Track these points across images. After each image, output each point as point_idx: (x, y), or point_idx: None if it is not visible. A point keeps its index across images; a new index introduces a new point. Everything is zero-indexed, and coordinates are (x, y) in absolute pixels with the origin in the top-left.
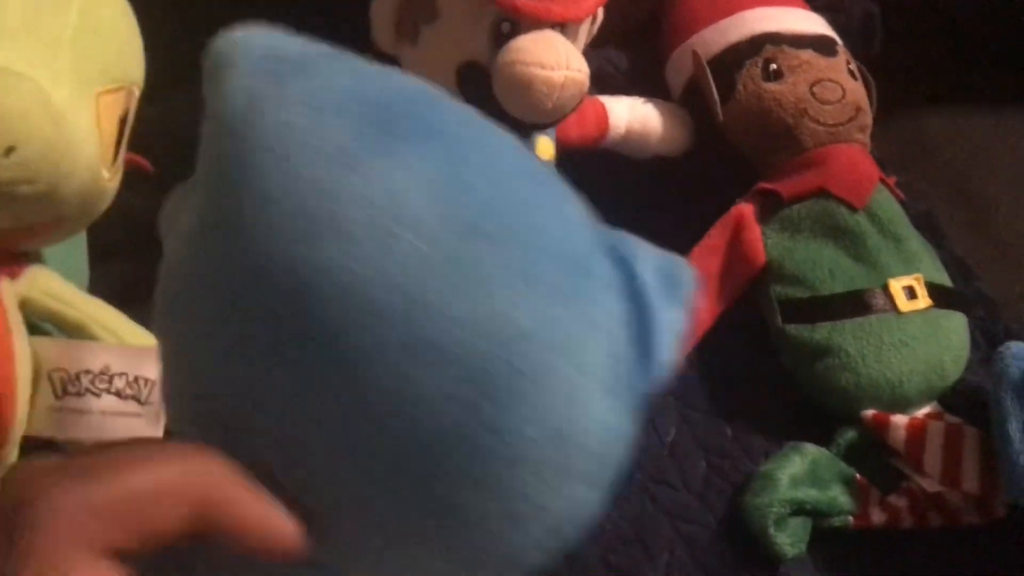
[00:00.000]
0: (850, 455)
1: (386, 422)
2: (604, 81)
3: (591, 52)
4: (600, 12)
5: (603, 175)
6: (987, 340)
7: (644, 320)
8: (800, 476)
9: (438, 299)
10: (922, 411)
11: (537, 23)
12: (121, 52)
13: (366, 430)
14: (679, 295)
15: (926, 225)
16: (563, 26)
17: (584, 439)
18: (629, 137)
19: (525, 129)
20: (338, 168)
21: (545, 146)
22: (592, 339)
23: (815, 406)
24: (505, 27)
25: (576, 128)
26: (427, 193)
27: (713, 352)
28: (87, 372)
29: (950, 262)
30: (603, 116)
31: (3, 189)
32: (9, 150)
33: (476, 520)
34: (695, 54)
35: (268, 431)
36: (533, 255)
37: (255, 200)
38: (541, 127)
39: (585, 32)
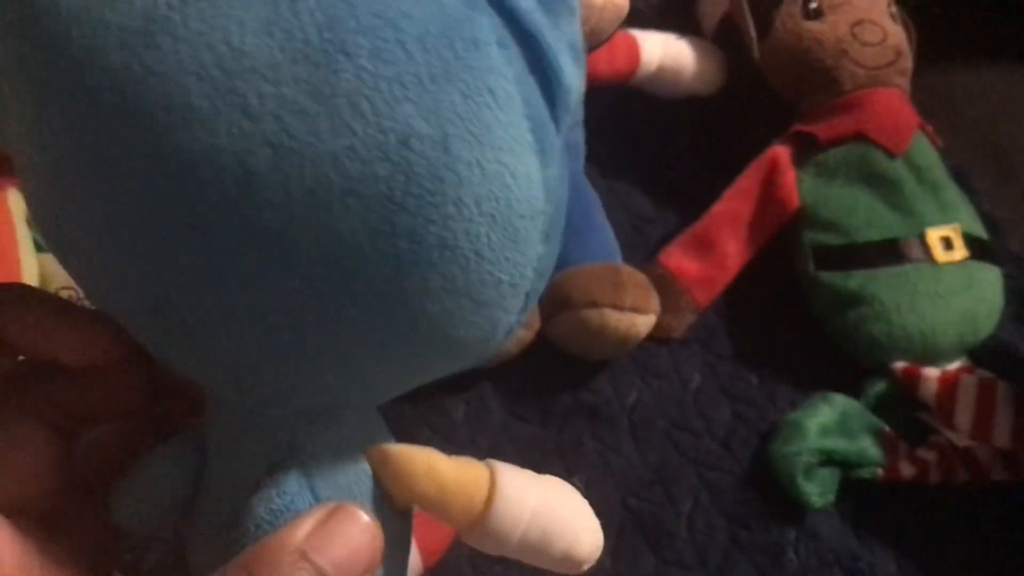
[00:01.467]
0: (879, 407)
1: (312, 270)
2: (634, 16)
3: None
4: None
5: (634, 114)
6: (1015, 297)
7: (537, 53)
8: (829, 426)
9: (314, 138)
10: (952, 365)
11: None
12: None
13: (293, 281)
14: (562, 7)
15: (955, 180)
16: None
17: (523, 208)
18: (661, 74)
19: None
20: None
21: None
22: (497, 110)
23: (843, 356)
24: None
25: (606, 62)
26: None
27: (740, 298)
28: None
29: (979, 218)
30: (634, 51)
31: None
32: None
33: (438, 317)
34: None
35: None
36: (402, 53)
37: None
38: None
39: None
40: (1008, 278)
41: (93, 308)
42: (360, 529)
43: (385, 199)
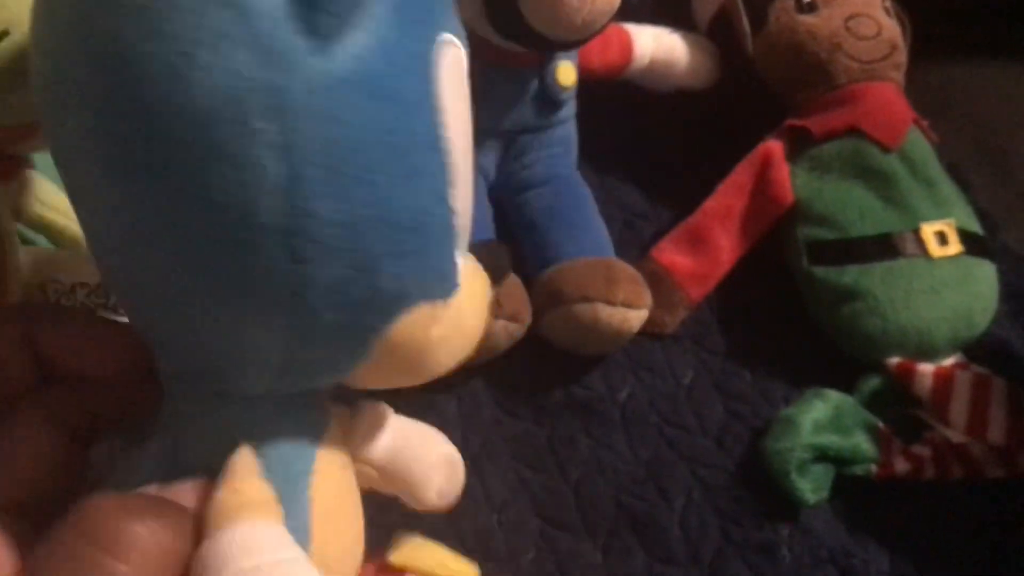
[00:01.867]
0: (873, 404)
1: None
2: (627, 11)
3: None
4: None
5: (627, 108)
6: (1010, 293)
7: None
8: (823, 422)
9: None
10: (947, 361)
11: None
12: None
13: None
14: None
15: (951, 176)
16: None
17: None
18: (653, 67)
19: (549, 52)
20: None
21: (567, 72)
22: None
23: (837, 352)
24: None
25: (599, 55)
26: None
27: (733, 294)
28: (83, 285)
29: (974, 213)
30: (627, 44)
31: None
32: (2, 35)
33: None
34: None
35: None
36: None
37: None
38: (567, 47)
39: None
40: (1003, 274)
41: (115, 320)
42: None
43: None
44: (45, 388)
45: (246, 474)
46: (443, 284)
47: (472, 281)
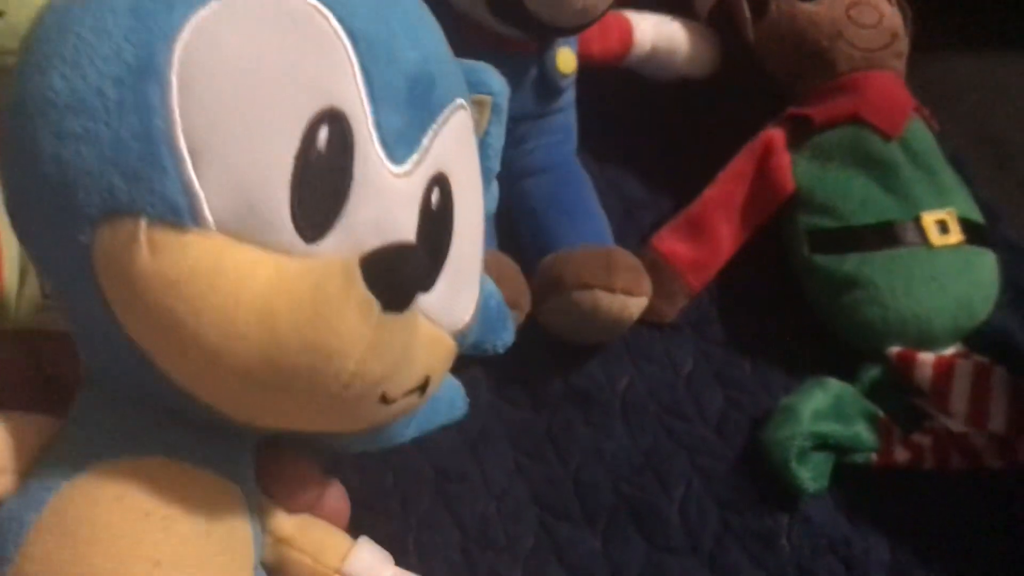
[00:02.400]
0: (873, 393)
1: None
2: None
3: None
4: None
5: (627, 97)
6: (1010, 283)
7: None
8: (823, 411)
9: None
10: (948, 351)
11: None
12: None
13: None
14: None
15: (954, 168)
16: None
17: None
18: (654, 55)
19: (548, 38)
20: None
21: (567, 58)
22: None
23: (837, 342)
24: None
25: (599, 42)
26: None
27: (733, 283)
28: None
29: (975, 203)
30: (627, 31)
31: None
32: None
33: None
34: None
35: None
36: None
37: None
38: (567, 32)
39: None
40: (1004, 264)
41: None
42: None
43: None
44: None
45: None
46: (155, 200)
47: (250, 262)
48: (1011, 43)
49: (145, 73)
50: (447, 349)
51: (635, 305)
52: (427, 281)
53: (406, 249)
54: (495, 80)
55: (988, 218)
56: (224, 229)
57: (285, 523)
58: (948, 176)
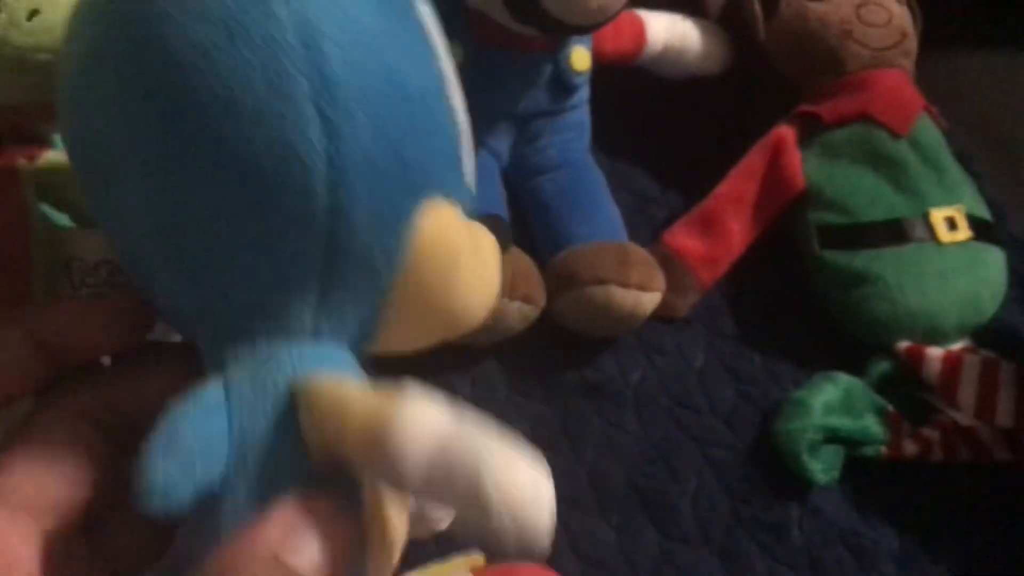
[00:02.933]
0: (882, 387)
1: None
2: None
3: None
4: None
5: (639, 95)
6: (1018, 280)
7: None
8: (833, 404)
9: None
10: (956, 346)
11: None
12: None
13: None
14: None
15: (961, 166)
16: None
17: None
18: (666, 54)
19: (563, 36)
20: None
21: (581, 57)
22: None
23: (846, 336)
24: None
25: (612, 41)
26: None
27: (744, 278)
28: (107, 263)
29: (983, 200)
30: (640, 30)
31: (24, 56)
32: (33, 13)
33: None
34: None
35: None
36: None
37: None
38: (582, 31)
39: None
40: (1011, 261)
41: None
42: (334, 525)
43: None
44: (61, 388)
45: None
46: (456, 179)
47: (483, 232)
48: (1019, 42)
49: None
50: None
51: (648, 300)
52: None
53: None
54: None
55: (995, 215)
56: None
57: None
58: (956, 173)
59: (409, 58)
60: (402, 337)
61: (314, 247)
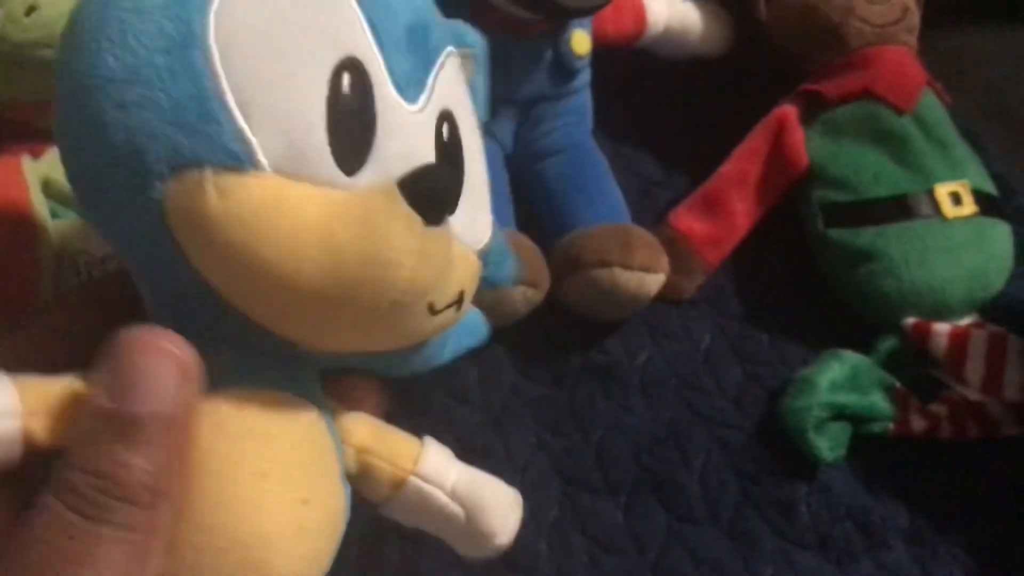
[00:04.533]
0: (890, 364)
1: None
2: None
3: None
4: None
5: (640, 76)
6: None
7: None
8: (840, 381)
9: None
10: (963, 321)
11: None
12: None
13: None
14: None
15: (968, 142)
16: None
17: None
18: (668, 35)
19: (564, 21)
20: None
21: (581, 40)
22: None
23: (853, 314)
24: None
25: (613, 23)
26: None
27: (749, 259)
28: (113, 257)
29: (988, 175)
30: (641, 12)
31: (24, 52)
32: (31, 9)
33: None
34: None
35: None
36: None
37: None
38: (584, 13)
39: None
40: (1019, 236)
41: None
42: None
43: None
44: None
45: None
46: (216, 150)
47: (286, 186)
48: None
49: (188, 43)
50: (474, 266)
51: (653, 281)
52: (454, 194)
53: (434, 167)
54: (473, 35)
55: (1003, 191)
56: (278, 170)
57: (361, 434)
58: (961, 149)
59: None
60: (312, 329)
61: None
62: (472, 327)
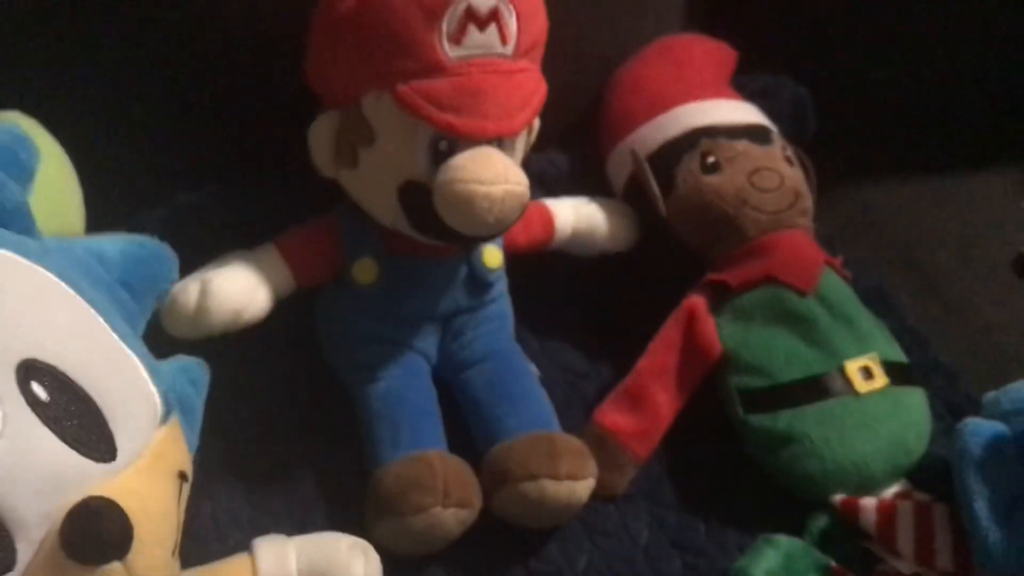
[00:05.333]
0: (824, 542)
1: None
2: (547, 183)
3: (532, 156)
4: (536, 122)
5: (558, 275)
6: (949, 409)
7: None
8: (775, 570)
9: None
10: (891, 490)
11: (473, 140)
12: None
13: None
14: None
15: (877, 298)
16: (499, 141)
17: None
18: (576, 237)
19: (471, 240)
20: None
21: (492, 255)
22: None
23: (786, 492)
24: (443, 145)
25: (523, 234)
26: None
27: (678, 448)
28: None
29: (904, 333)
30: (549, 219)
31: None
32: None
33: None
34: (634, 152)
35: None
36: None
37: None
38: (485, 240)
39: (522, 143)
40: (940, 389)
41: None
42: None
43: None
44: None
45: None
46: None
47: None
48: (923, 170)
49: None
50: None
51: (582, 488)
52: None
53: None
54: None
55: (918, 344)
56: None
57: None
58: (867, 322)
59: None
60: None
61: None
62: None
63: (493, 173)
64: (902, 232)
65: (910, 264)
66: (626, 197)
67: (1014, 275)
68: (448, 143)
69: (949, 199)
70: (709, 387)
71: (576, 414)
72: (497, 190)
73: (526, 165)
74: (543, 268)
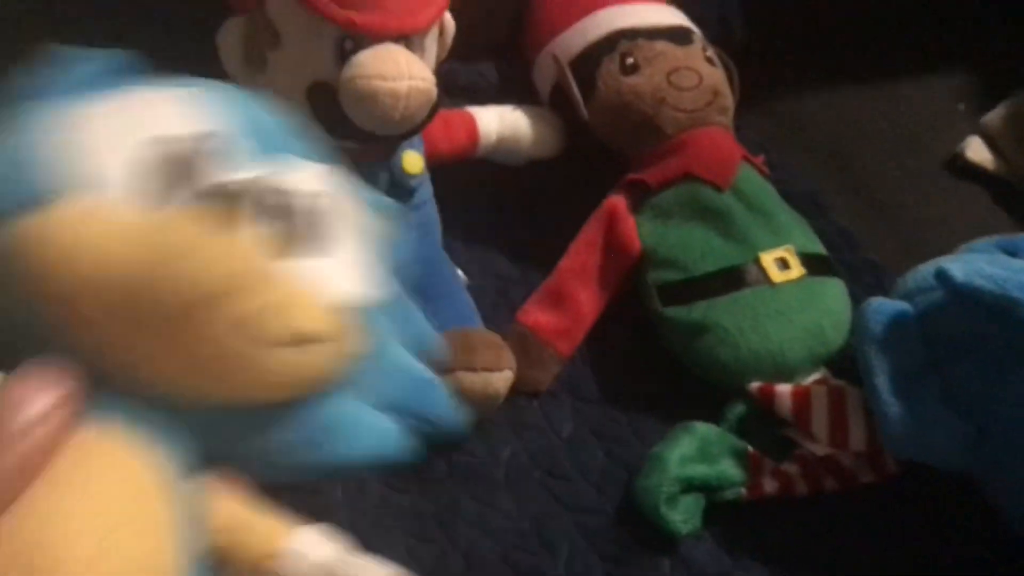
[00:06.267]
0: (742, 429)
1: None
2: (478, 93)
3: (461, 68)
4: (450, 24)
5: (485, 183)
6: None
7: None
8: (689, 454)
9: None
10: (810, 379)
11: (378, 38)
12: None
13: None
14: None
15: (810, 201)
16: (407, 39)
17: None
18: (501, 144)
19: (389, 143)
20: None
21: (413, 160)
22: None
23: (706, 383)
24: (348, 45)
25: (446, 140)
26: None
27: (601, 343)
28: None
29: (836, 234)
30: (472, 126)
31: None
32: None
33: None
34: (555, 57)
35: None
36: None
37: None
38: (401, 139)
39: (434, 43)
40: (868, 286)
41: None
42: None
43: None
44: None
45: None
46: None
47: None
48: (859, 76)
49: None
50: (326, 312)
51: (499, 379)
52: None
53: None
54: None
55: (849, 246)
56: None
57: (222, 516)
58: (784, 215)
59: None
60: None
61: None
62: (380, 432)
63: (396, 69)
64: (836, 136)
65: (842, 167)
66: (552, 103)
67: (947, 176)
68: (353, 42)
69: (885, 103)
70: (633, 287)
71: (506, 319)
72: (401, 86)
73: (455, 77)
74: (471, 177)
